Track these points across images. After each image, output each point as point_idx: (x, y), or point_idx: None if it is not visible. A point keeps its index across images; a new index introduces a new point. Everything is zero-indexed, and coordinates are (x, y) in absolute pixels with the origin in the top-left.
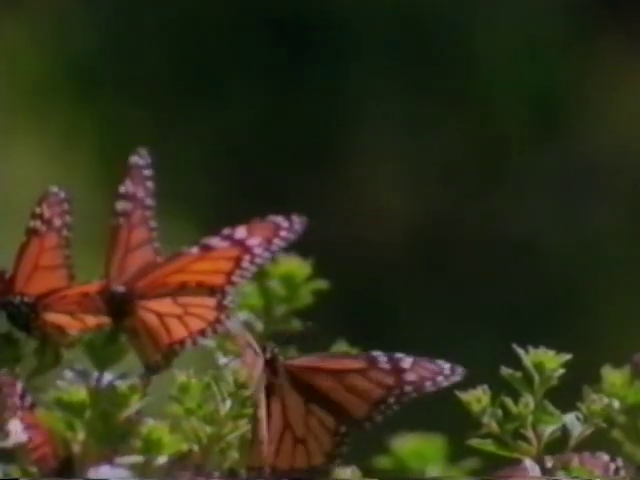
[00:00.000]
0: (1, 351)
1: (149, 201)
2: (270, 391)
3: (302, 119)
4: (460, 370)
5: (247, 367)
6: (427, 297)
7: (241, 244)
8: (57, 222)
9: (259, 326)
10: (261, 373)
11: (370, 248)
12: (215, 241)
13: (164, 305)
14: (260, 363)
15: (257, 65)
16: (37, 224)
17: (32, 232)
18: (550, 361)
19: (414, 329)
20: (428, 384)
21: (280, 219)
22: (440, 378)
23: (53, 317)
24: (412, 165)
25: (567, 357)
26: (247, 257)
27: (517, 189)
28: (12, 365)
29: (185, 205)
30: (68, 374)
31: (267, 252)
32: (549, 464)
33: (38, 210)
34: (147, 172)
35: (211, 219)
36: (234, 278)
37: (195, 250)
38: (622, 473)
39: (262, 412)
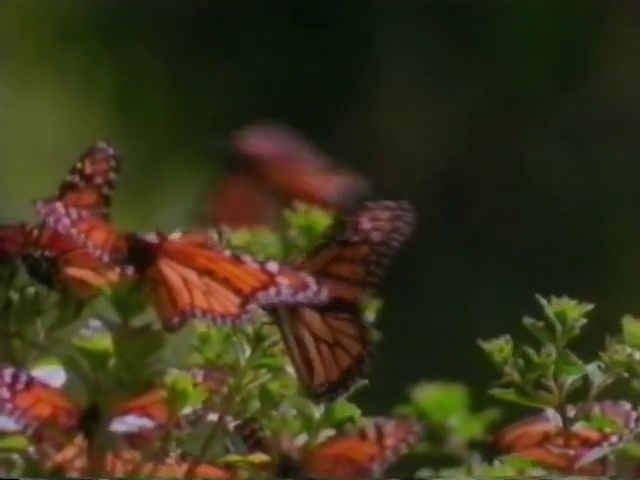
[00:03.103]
0: (23, 304)
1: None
2: (290, 317)
3: (323, 69)
4: (407, 206)
5: None
6: (448, 246)
7: (270, 276)
8: (98, 180)
9: None
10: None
11: (391, 198)
12: (247, 259)
13: (190, 274)
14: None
15: (277, 11)
16: (75, 179)
17: (68, 187)
18: (572, 311)
19: (435, 277)
20: (395, 236)
21: (309, 280)
22: (399, 223)
23: (75, 272)
24: (434, 114)
25: (589, 307)
26: (274, 289)
27: (537, 138)
28: (33, 317)
29: (202, 156)
30: (93, 323)
31: (291, 297)
32: (570, 414)
33: (79, 165)
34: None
35: None
36: (259, 296)
37: (228, 253)
38: None
39: (292, 339)
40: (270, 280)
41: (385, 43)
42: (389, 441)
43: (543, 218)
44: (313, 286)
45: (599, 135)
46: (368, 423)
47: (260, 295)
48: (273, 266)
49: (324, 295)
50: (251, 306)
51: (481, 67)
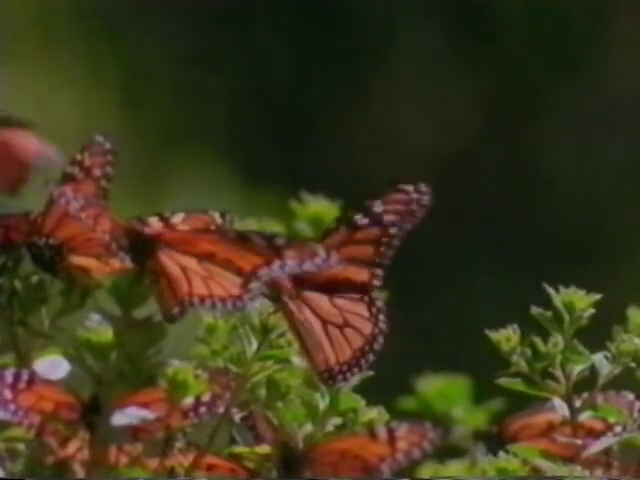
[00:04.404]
0: (27, 292)
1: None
2: (295, 302)
3: (332, 55)
4: (425, 189)
5: None
6: (455, 234)
7: (277, 250)
8: (97, 172)
9: None
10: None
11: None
12: (253, 235)
13: (189, 262)
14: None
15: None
16: (75, 170)
17: (68, 178)
18: (580, 301)
19: (438, 268)
20: (408, 218)
21: (318, 248)
22: (414, 206)
23: (78, 260)
24: (438, 102)
25: (597, 297)
26: (278, 263)
27: (539, 129)
28: (38, 306)
29: (213, 143)
30: (94, 316)
31: (297, 268)
32: (577, 403)
33: (79, 157)
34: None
35: (239, 157)
36: (261, 272)
37: (231, 233)
38: None
39: (299, 322)
40: (276, 254)
41: (389, 38)
42: (401, 444)
43: (546, 209)
44: (322, 253)
45: (601, 126)
46: (371, 413)
47: (262, 271)
48: (280, 240)
49: (334, 261)
50: (253, 284)
51: (482, 60)
